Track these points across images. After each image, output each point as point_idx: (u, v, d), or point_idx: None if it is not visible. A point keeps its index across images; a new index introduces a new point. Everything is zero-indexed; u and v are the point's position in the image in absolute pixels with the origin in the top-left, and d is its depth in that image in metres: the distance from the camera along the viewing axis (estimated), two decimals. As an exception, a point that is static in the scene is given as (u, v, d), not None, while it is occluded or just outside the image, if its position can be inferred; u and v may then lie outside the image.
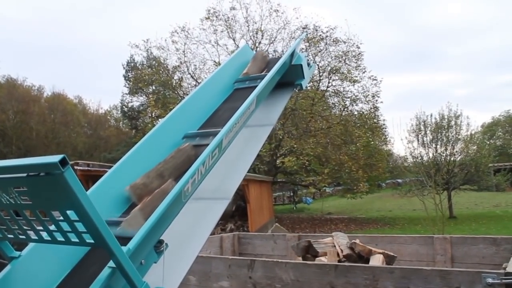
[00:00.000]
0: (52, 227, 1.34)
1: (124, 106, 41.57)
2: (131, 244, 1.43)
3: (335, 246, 4.17)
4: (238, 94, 2.71)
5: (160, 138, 2.24)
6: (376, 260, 3.79)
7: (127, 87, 38.58)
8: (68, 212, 1.25)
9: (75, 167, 14.31)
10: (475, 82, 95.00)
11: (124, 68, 39.79)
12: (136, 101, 38.04)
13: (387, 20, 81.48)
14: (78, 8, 67.30)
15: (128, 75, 37.95)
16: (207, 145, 1.98)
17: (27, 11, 66.74)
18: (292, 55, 2.97)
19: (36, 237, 1.44)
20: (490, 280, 2.32)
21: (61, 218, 1.28)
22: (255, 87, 2.49)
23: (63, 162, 1.09)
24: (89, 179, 12.56)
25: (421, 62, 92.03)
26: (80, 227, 1.26)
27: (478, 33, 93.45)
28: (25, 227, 1.44)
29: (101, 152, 40.36)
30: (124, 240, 1.42)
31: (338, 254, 4.08)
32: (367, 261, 3.86)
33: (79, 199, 1.16)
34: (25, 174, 1.19)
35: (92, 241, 1.28)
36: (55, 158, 1.09)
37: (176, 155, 2.10)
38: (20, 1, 63.67)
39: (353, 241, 4.15)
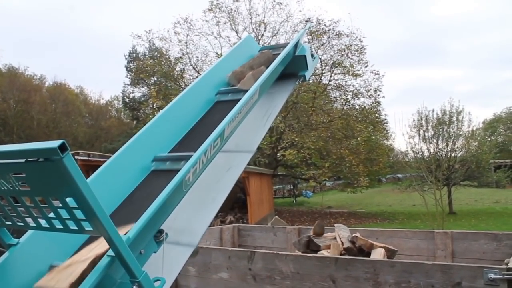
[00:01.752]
0: (51, 215, 1.32)
1: (125, 97, 41.51)
2: (131, 233, 1.41)
3: (335, 239, 4.15)
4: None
5: (168, 119, 2.24)
6: (378, 254, 3.77)
7: (129, 78, 38.52)
8: (67, 199, 1.23)
9: (76, 157, 14.32)
10: (477, 78, 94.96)
11: (126, 58, 39.70)
12: (138, 92, 38.03)
13: (389, 14, 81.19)
14: (80, -3, 67.08)
15: (130, 66, 37.86)
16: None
17: (28, 1, 66.58)
18: (296, 46, 2.94)
19: (34, 224, 1.42)
20: (492, 276, 2.30)
21: (60, 205, 1.25)
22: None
23: (62, 148, 1.06)
24: (89, 169, 12.55)
25: (423, 57, 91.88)
26: (79, 214, 1.24)
27: (481, 29, 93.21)
28: (23, 214, 1.42)
29: (102, 143, 40.38)
30: None
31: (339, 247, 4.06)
32: (368, 255, 3.84)
33: (78, 186, 1.14)
34: (23, 160, 1.16)
35: (91, 229, 1.26)
36: (54, 144, 1.06)
37: (261, 55, 2.78)
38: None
39: (354, 235, 4.13)
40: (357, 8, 68.92)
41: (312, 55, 3.14)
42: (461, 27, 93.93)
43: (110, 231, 1.24)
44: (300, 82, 3.11)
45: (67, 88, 43.74)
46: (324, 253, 4.01)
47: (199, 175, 1.82)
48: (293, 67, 2.96)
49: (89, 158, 15.46)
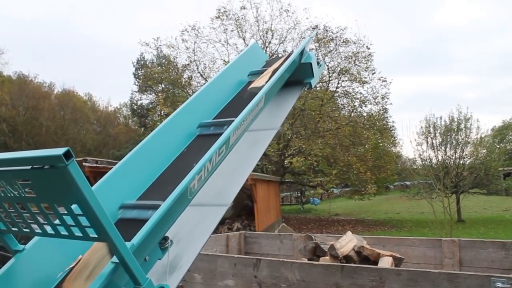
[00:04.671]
0: (56, 221, 1.33)
1: (133, 104, 41.72)
2: (135, 240, 1.41)
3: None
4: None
5: (174, 126, 2.26)
6: (385, 263, 3.75)
7: (137, 85, 38.75)
8: (73, 206, 1.24)
9: (84, 163, 14.40)
10: (484, 85, 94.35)
11: (134, 66, 39.96)
12: (146, 99, 38.24)
13: (395, 22, 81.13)
14: (90, 6, 67.73)
15: (138, 73, 38.08)
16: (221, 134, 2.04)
17: (38, 10, 67.31)
18: (301, 53, 2.95)
19: (40, 231, 1.43)
20: (499, 285, 2.28)
21: (65, 212, 1.26)
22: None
23: (67, 155, 1.08)
24: (97, 175, 12.62)
25: (430, 64, 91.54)
26: (84, 221, 1.25)
27: (488, 36, 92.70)
28: (29, 221, 1.43)
29: (109, 149, 40.53)
30: None
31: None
32: (375, 263, 3.82)
33: (83, 193, 1.15)
34: (29, 167, 1.18)
35: (96, 236, 1.27)
36: (59, 151, 1.07)
37: None
38: (31, 0, 64.28)
39: (361, 245, 4.10)
40: (364, 16, 68.93)
41: (318, 63, 3.15)
42: (467, 34, 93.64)
43: (115, 238, 1.25)
44: (306, 89, 3.12)
45: (76, 95, 44.04)
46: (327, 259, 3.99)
47: (204, 183, 1.82)
48: (299, 74, 2.97)
49: (97, 165, 15.52)
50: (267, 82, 2.55)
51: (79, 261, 1.63)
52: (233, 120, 2.11)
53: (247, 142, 2.33)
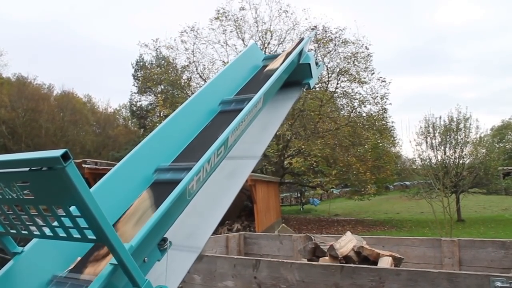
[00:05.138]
0: (55, 223, 1.33)
1: (132, 105, 41.71)
2: (134, 241, 1.41)
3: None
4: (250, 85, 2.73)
5: (174, 126, 2.28)
6: (385, 263, 3.75)
7: (136, 86, 38.73)
8: (71, 208, 1.24)
9: (83, 165, 14.39)
10: (484, 85, 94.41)
11: (133, 67, 39.95)
12: (145, 100, 38.21)
13: (394, 22, 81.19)
14: (89, 8, 67.74)
15: (137, 74, 38.08)
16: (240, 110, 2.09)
17: (37, 12, 67.31)
18: (300, 54, 2.95)
19: (38, 233, 1.43)
20: (499, 284, 2.28)
21: (64, 214, 1.26)
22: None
23: (65, 157, 1.07)
24: (97, 177, 12.59)
25: (428, 64, 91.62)
26: (82, 223, 1.25)
27: (486, 36, 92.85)
28: (27, 223, 1.43)
29: (109, 151, 40.52)
30: None
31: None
32: (375, 263, 3.82)
33: (81, 195, 1.14)
34: (27, 169, 1.17)
35: (94, 238, 1.27)
36: (57, 153, 1.07)
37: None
38: (30, 3, 64.26)
39: (360, 245, 4.10)
40: (362, 16, 69.02)
41: (316, 63, 3.15)
42: (467, 34, 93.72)
43: (113, 240, 1.25)
44: (304, 90, 3.12)
45: (75, 97, 44.04)
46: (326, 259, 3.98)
47: (203, 184, 1.82)
48: (297, 75, 2.97)
49: (97, 167, 15.51)
50: (281, 64, 2.65)
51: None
52: (232, 121, 2.11)
53: (225, 171, 2.21)
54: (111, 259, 1.41)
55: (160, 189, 1.95)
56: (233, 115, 2.20)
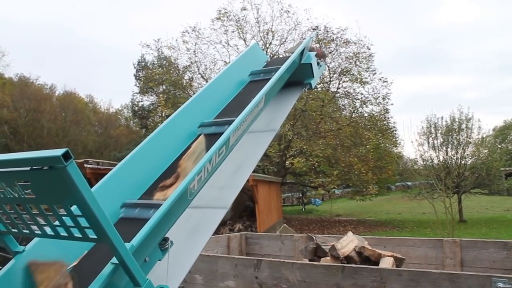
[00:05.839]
0: (56, 222, 1.33)
1: (134, 106, 41.76)
2: (135, 241, 1.41)
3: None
4: (252, 86, 2.72)
5: (175, 126, 2.26)
6: (386, 263, 3.74)
7: (138, 87, 38.77)
8: (72, 207, 1.24)
9: (85, 165, 14.39)
10: (485, 85, 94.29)
11: (135, 67, 40.00)
12: (147, 101, 38.25)
13: (395, 21, 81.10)
14: (90, 8, 67.84)
15: (139, 75, 38.11)
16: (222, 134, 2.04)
17: (39, 12, 67.42)
18: (301, 54, 2.95)
19: (39, 232, 1.44)
20: (501, 285, 2.28)
21: (65, 213, 1.27)
22: (269, 79, 2.48)
23: (66, 156, 1.07)
24: (98, 177, 12.58)
25: (430, 64, 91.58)
26: (83, 222, 1.25)
27: (488, 36, 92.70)
28: (28, 222, 1.43)
29: (111, 151, 40.56)
30: None
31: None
32: (377, 264, 3.81)
33: (82, 194, 1.14)
34: (28, 168, 1.17)
35: (95, 237, 1.27)
36: (58, 152, 1.07)
37: None
38: (30, 4, 64.38)
39: (362, 245, 4.09)
40: (364, 16, 68.93)
41: (318, 63, 3.14)
42: (468, 34, 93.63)
43: (114, 239, 1.25)
44: (306, 90, 3.12)
45: (77, 97, 44.12)
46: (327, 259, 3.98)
47: (204, 183, 1.82)
48: (299, 75, 2.97)
49: (98, 167, 15.50)
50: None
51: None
52: (234, 120, 2.11)
53: (246, 143, 2.32)
54: (177, 187, 1.66)
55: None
56: (235, 113, 2.21)
